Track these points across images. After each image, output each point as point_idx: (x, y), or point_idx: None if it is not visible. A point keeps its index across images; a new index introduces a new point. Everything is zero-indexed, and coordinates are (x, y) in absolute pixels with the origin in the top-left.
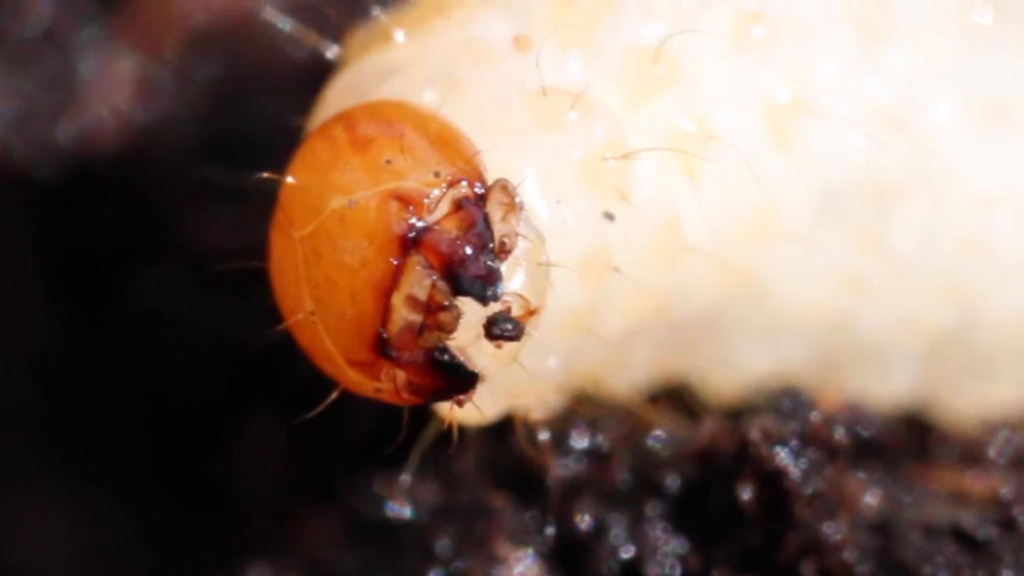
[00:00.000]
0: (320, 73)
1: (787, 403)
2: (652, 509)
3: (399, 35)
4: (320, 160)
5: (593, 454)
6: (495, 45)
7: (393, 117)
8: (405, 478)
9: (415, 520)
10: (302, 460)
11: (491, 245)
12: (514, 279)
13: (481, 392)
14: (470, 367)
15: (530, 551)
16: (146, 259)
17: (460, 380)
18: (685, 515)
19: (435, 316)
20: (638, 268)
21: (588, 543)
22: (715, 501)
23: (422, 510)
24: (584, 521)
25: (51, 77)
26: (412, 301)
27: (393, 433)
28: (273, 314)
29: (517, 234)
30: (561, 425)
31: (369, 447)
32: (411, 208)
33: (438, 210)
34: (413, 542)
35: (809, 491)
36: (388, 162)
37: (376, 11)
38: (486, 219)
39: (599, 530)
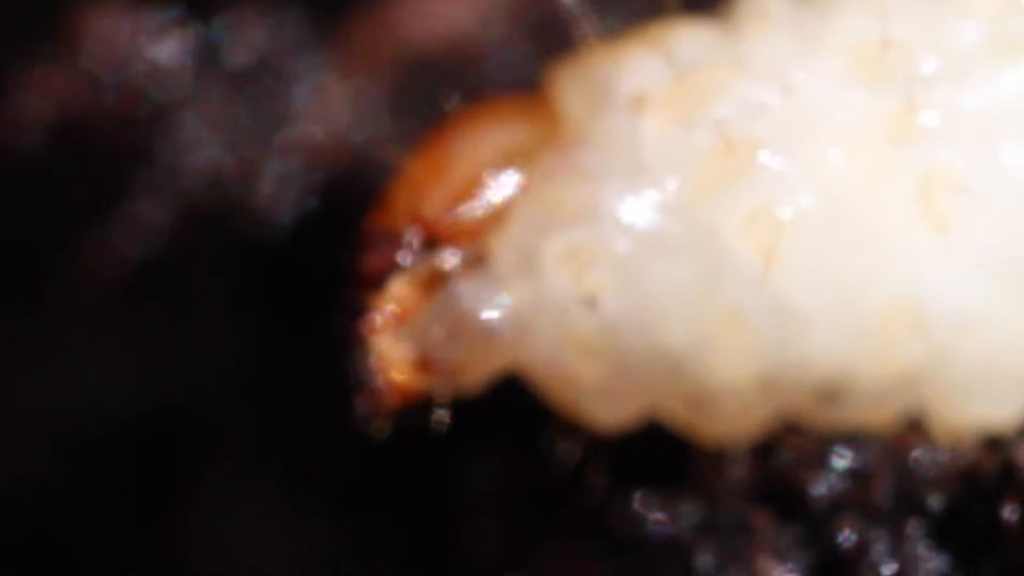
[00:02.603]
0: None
1: None
2: (914, 527)
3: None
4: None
5: (855, 473)
6: (619, 95)
7: (459, 150)
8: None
9: (676, 537)
10: (526, 477)
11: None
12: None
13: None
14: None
15: (792, 568)
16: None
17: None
18: (947, 534)
19: None
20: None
21: (850, 560)
22: (978, 521)
23: (683, 527)
24: (847, 539)
25: (267, 102)
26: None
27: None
28: None
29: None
30: (823, 443)
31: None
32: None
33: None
34: (674, 559)
35: None
36: (412, 163)
37: None
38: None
39: (861, 548)
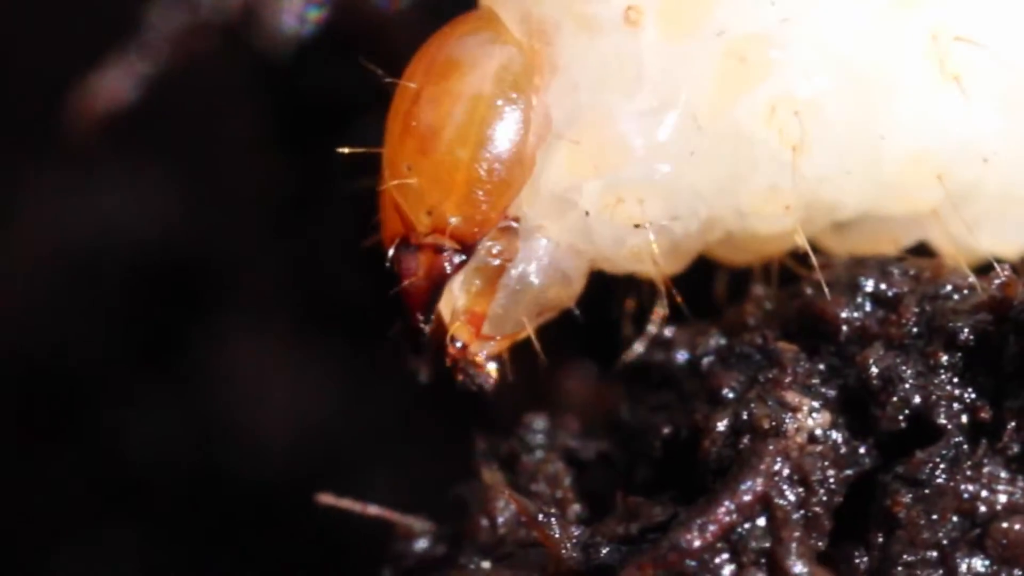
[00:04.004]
0: None
1: None
2: (942, 358)
3: None
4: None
5: (882, 300)
6: (607, 11)
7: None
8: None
9: (700, 367)
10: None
11: (429, 313)
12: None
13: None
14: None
15: (819, 399)
16: (371, 109)
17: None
18: (976, 365)
19: None
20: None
21: (877, 392)
22: (1008, 351)
23: (708, 358)
24: (873, 370)
25: None
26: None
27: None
28: None
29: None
30: (852, 271)
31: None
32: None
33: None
34: (698, 389)
35: None
36: (409, 168)
37: None
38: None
39: (888, 379)
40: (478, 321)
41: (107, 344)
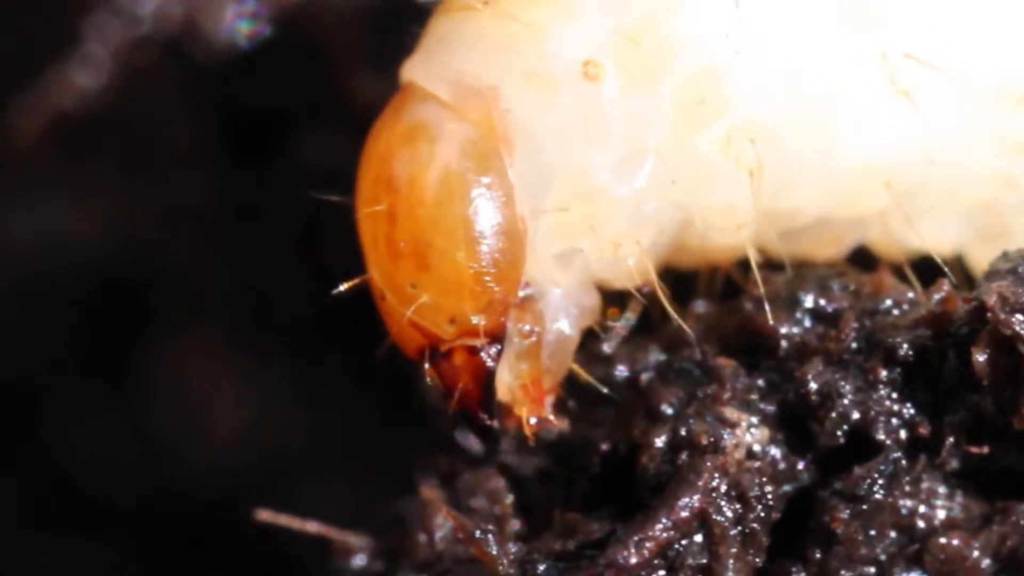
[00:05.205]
0: None
1: None
2: (881, 374)
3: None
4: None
5: (821, 315)
6: (562, 68)
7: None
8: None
9: (639, 383)
10: None
11: (491, 408)
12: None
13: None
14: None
15: (757, 415)
16: (312, 120)
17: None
18: (915, 380)
19: None
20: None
21: (816, 408)
22: (947, 366)
23: (646, 373)
24: (812, 385)
25: None
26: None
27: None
28: None
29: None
30: (792, 286)
31: None
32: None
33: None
34: (637, 405)
35: None
36: (412, 286)
37: None
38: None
39: (827, 395)
40: (539, 390)
41: (50, 358)
